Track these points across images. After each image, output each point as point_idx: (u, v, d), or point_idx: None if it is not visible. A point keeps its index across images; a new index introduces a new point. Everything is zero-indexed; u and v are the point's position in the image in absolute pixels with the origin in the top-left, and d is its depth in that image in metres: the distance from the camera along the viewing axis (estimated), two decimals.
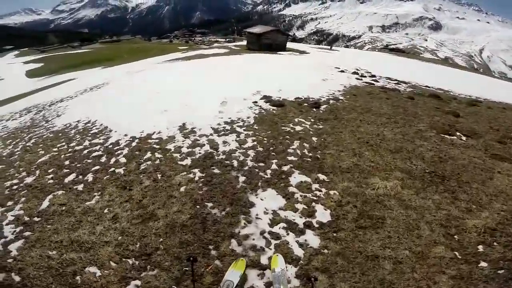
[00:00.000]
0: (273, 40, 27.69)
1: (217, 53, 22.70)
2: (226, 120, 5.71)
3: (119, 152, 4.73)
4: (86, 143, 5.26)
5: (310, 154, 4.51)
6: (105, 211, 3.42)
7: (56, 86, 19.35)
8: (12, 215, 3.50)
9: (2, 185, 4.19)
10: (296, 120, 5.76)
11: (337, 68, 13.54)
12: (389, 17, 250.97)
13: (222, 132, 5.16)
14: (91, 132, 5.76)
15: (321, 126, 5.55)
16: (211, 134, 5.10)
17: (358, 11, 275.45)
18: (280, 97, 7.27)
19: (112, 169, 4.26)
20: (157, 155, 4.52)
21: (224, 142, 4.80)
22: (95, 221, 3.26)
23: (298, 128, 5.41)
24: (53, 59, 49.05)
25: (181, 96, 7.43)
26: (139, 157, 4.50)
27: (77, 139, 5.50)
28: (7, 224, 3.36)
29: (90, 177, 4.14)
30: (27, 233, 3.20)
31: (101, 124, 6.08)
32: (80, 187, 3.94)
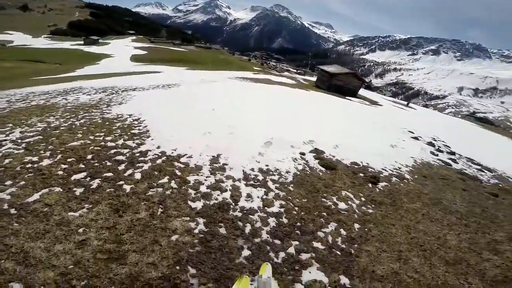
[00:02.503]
0: (346, 83, 26.37)
1: (284, 82, 22.77)
2: (261, 166, 4.95)
3: (140, 165, 4.37)
4: (120, 141, 5.13)
5: (343, 246, 3.46)
6: (79, 230, 2.91)
7: (142, 74, 22.22)
8: None
9: (21, 160, 4.05)
10: (343, 193, 4.63)
11: (411, 132, 11.68)
12: (487, 80, 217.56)
13: (251, 182, 4.40)
14: (132, 131, 5.70)
15: (370, 211, 4.36)
16: (239, 180, 4.39)
17: (451, 68, 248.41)
18: (334, 156, 6.19)
19: (121, 182, 3.84)
20: (172, 184, 4.01)
21: (248, 196, 4.02)
22: (60, 238, 2.78)
23: (342, 205, 4.28)
24: (155, 51, 58.46)
25: (231, 121, 7.04)
26: (154, 179, 4.04)
27: (116, 135, 5.45)
28: None
29: (95, 183, 3.74)
30: None
31: (145, 126, 6.02)
32: (79, 191, 3.53)
